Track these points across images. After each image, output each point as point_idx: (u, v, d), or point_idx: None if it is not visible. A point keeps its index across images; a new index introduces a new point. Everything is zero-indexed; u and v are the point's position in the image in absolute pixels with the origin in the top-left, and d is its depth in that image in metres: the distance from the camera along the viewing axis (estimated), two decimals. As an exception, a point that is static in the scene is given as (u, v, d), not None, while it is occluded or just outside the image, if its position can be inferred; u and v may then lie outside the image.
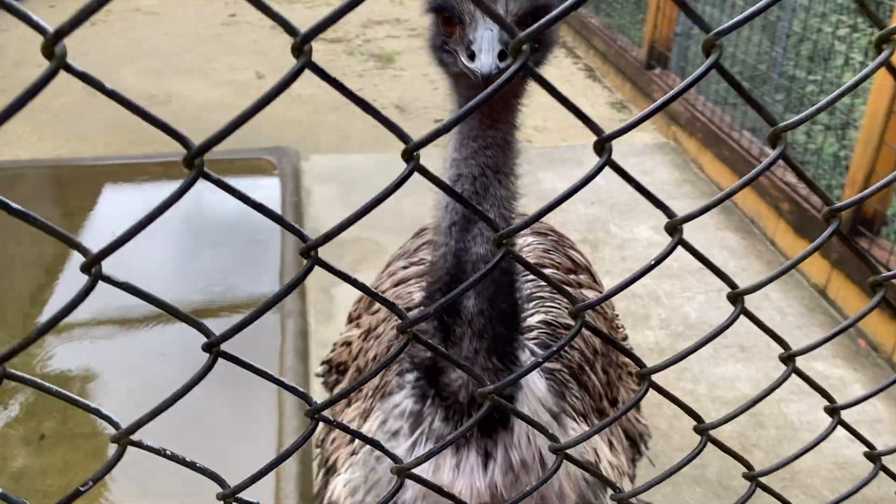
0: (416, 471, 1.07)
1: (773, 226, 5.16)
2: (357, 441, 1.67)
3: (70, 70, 0.67)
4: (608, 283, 4.82)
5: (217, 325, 0.82)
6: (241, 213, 5.54)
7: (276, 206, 5.38)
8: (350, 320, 2.42)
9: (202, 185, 0.80)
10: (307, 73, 0.75)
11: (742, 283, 1.07)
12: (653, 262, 0.96)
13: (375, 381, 1.79)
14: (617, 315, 2.73)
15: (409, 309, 1.82)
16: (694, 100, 6.37)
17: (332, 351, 2.37)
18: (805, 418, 3.82)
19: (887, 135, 4.15)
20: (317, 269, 0.87)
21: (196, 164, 0.75)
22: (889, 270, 4.31)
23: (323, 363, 2.38)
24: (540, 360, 1.13)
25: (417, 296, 1.85)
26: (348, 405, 1.87)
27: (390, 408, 1.53)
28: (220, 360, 0.89)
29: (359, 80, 7.95)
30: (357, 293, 2.52)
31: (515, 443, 1.44)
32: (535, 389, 1.52)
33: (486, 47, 1.17)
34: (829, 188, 5.04)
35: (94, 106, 6.76)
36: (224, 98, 7.37)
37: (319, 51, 8.98)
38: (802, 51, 5.61)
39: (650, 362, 1.10)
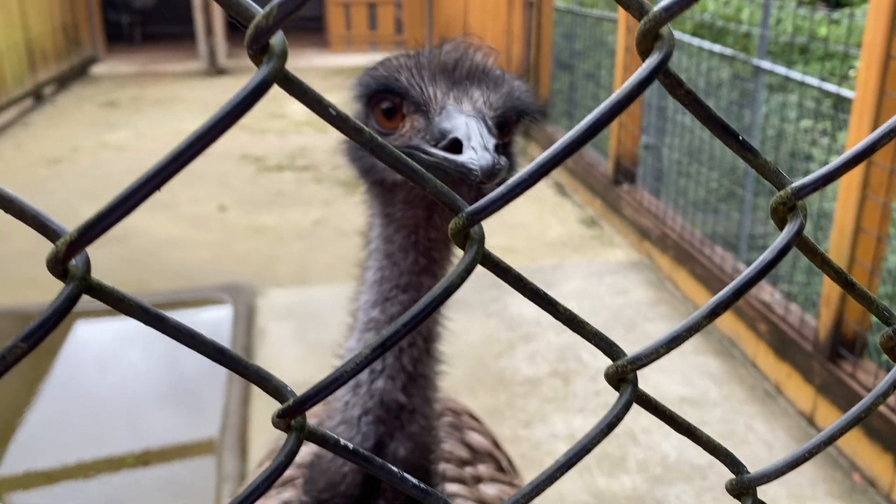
0: None
1: (753, 348, 4.87)
2: None
3: None
4: (582, 423, 4.50)
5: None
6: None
7: (226, 349, 5.08)
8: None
9: None
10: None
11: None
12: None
13: None
14: None
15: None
16: (664, 215, 6.19)
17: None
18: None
19: (857, 252, 3.94)
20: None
21: None
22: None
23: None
24: None
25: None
26: None
27: None
28: None
29: (325, 208, 7.81)
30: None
31: None
32: None
33: (475, 137, 0.90)
34: (807, 303, 4.80)
35: (46, 248, 6.53)
36: (183, 232, 7.19)
37: (288, 180, 8.90)
38: (780, 154, 5.52)
39: None
